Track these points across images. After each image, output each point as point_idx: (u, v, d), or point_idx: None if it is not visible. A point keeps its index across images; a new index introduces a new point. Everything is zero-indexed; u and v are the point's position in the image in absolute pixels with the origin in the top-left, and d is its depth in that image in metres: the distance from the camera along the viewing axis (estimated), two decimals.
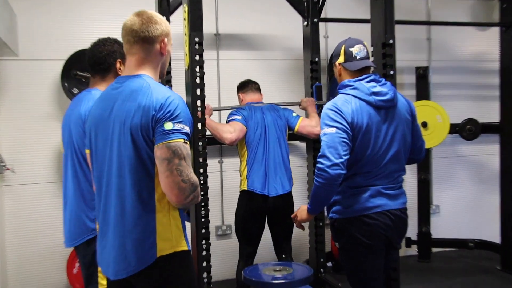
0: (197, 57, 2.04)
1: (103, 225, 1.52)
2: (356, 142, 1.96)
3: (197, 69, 2.05)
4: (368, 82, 2.03)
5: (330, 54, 3.70)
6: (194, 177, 1.45)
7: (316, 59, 3.18)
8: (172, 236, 1.48)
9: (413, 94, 3.98)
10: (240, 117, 2.88)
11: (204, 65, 2.08)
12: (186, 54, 2.11)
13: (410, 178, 4.18)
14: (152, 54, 1.54)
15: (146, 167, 1.44)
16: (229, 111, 3.02)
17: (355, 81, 2.03)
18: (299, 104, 3.14)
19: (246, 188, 2.85)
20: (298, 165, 3.77)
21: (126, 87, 1.50)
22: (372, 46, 2.37)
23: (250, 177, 2.84)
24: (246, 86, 3.12)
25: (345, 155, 1.90)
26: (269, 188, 2.84)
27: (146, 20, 1.52)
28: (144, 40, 1.52)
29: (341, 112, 1.96)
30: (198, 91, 2.07)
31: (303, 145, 3.68)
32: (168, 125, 1.43)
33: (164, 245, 1.46)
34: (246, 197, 2.87)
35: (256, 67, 3.71)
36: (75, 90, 3.13)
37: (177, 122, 1.43)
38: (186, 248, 1.51)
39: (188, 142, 1.45)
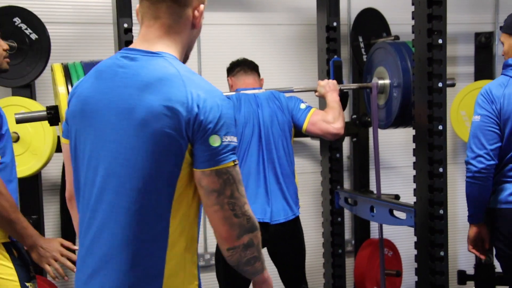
0: None
1: (95, 259, 1.48)
2: (504, 133, 2.48)
3: None
4: None
5: (354, 19, 3.74)
6: (250, 211, 1.46)
7: (335, 24, 3.21)
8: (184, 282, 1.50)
9: (470, 72, 4.03)
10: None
11: None
12: None
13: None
14: (181, 22, 1.49)
15: (166, 187, 1.42)
16: None
17: None
18: (314, 90, 3.10)
19: None
20: (308, 171, 3.81)
21: (143, 69, 1.43)
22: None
23: None
24: (236, 66, 3.07)
25: (491, 144, 2.46)
26: (272, 213, 2.78)
27: None
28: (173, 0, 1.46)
29: (491, 96, 2.50)
30: None
31: (315, 143, 3.72)
32: (215, 141, 1.38)
33: None
34: None
35: (251, 36, 3.74)
36: None
37: (225, 135, 1.39)
38: None
39: (237, 161, 1.44)
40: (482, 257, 2.73)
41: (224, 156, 1.39)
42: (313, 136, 3.05)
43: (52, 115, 2.42)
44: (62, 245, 2.35)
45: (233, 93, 2.95)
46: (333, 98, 2.93)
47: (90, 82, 1.51)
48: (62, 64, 2.43)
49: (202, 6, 1.51)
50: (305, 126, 2.88)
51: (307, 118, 2.87)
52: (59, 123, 2.45)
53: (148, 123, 1.37)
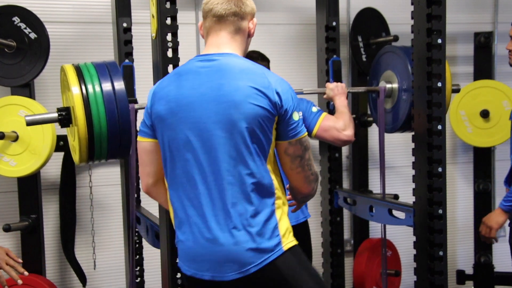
0: (168, 20, 2.08)
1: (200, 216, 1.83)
2: None
3: (169, 37, 2.09)
4: None
5: (353, 17, 3.74)
6: (315, 167, 1.96)
7: (334, 24, 3.21)
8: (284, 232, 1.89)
9: (470, 71, 4.02)
10: None
11: (179, 31, 2.11)
12: (153, 16, 2.15)
13: (464, 189, 4.22)
14: (241, 32, 1.90)
15: (264, 150, 1.81)
16: None
17: None
18: (322, 92, 3.06)
19: None
20: None
21: (225, 65, 1.81)
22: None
23: None
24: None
25: None
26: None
27: None
28: (235, 14, 1.87)
29: None
30: (170, 68, 2.10)
31: (314, 143, 3.72)
32: (296, 116, 1.83)
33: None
34: None
35: None
36: None
37: (299, 111, 1.85)
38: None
39: None
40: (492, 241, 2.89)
41: (302, 127, 1.85)
42: (321, 140, 3.02)
43: (64, 117, 2.41)
44: (8, 255, 2.35)
45: None
46: (341, 102, 2.90)
47: (174, 84, 1.84)
48: (73, 65, 2.42)
49: (255, 20, 1.94)
50: (315, 131, 2.80)
51: (318, 123, 2.80)
52: (71, 125, 2.44)
53: (246, 101, 1.75)
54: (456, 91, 3.20)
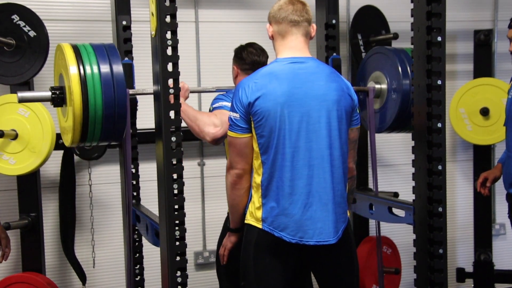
0: (168, 18, 2.08)
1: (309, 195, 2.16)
2: None
3: (168, 35, 2.09)
4: None
5: (354, 15, 3.74)
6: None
7: (334, 21, 3.21)
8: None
9: (469, 69, 4.03)
10: (229, 104, 2.59)
11: (179, 29, 2.11)
12: (152, 14, 2.15)
13: (464, 187, 4.22)
14: (308, 35, 2.25)
15: (346, 138, 2.21)
16: (214, 94, 2.97)
17: None
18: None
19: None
20: None
21: (315, 68, 2.18)
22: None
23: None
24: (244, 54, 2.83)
25: None
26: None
27: (303, 4, 2.22)
28: (307, 21, 2.21)
29: None
30: (169, 66, 2.10)
31: None
32: (357, 110, 2.27)
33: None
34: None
35: (249, 32, 3.74)
36: None
37: None
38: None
39: None
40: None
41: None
42: None
43: (57, 96, 2.35)
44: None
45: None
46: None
47: (275, 83, 2.11)
48: (71, 44, 2.37)
49: (314, 25, 2.26)
50: None
51: None
52: (63, 105, 2.40)
53: (340, 101, 2.15)
54: None
